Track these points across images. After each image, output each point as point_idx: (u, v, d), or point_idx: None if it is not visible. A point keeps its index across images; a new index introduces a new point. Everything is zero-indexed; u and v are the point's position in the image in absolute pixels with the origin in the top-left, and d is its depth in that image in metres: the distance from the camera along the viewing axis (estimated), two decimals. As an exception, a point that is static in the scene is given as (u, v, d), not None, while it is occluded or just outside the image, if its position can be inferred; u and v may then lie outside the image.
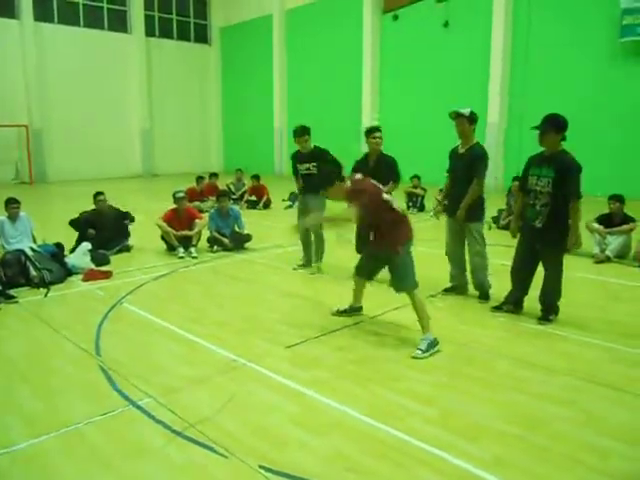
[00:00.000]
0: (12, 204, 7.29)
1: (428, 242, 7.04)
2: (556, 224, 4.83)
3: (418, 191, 12.47)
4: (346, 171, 7.03)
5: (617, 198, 7.84)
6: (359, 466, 2.88)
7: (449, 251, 5.95)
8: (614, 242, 7.57)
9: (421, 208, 12.40)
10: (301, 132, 7.01)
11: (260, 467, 2.86)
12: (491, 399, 3.63)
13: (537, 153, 5.04)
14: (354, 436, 3.17)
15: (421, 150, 17.25)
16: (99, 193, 8.38)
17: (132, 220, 8.73)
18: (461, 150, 5.65)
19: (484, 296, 5.73)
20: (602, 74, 14.62)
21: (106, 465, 2.91)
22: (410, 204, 12.37)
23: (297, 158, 7.21)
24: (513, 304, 5.32)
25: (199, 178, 13.29)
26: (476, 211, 5.61)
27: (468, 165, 5.53)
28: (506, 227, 9.09)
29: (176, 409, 3.48)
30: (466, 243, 5.78)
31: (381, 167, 6.26)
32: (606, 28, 14.40)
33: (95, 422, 3.32)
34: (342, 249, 4.64)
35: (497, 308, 5.40)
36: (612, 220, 7.81)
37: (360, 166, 6.38)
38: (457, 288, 5.98)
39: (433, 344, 4.38)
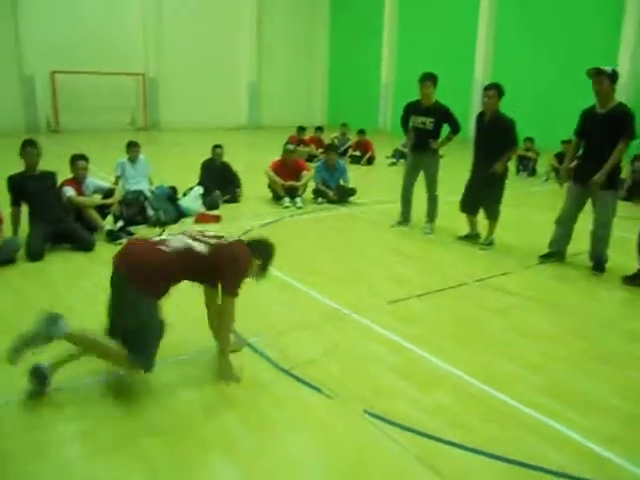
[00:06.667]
0: (133, 147, 7.72)
1: (539, 208, 6.69)
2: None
3: (530, 154, 11.78)
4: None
5: None
6: (464, 423, 2.87)
7: (564, 216, 5.55)
8: None
9: (532, 172, 11.74)
10: (424, 77, 6.46)
11: (365, 412, 2.92)
12: (603, 373, 3.46)
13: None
14: (458, 395, 3.15)
15: (537, 111, 16.25)
16: (217, 146, 8.51)
17: (238, 185, 8.55)
18: (600, 110, 5.17)
19: (599, 268, 5.38)
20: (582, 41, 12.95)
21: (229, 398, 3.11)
22: (521, 167, 11.78)
23: (413, 109, 6.71)
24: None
25: (300, 128, 13.96)
26: (614, 177, 5.17)
27: (612, 126, 5.08)
28: (626, 198, 8.44)
29: (283, 349, 3.61)
30: (593, 212, 5.36)
31: (496, 128, 5.95)
32: None
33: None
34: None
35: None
36: None
37: (476, 123, 6.22)
38: (556, 254, 5.70)
39: None
